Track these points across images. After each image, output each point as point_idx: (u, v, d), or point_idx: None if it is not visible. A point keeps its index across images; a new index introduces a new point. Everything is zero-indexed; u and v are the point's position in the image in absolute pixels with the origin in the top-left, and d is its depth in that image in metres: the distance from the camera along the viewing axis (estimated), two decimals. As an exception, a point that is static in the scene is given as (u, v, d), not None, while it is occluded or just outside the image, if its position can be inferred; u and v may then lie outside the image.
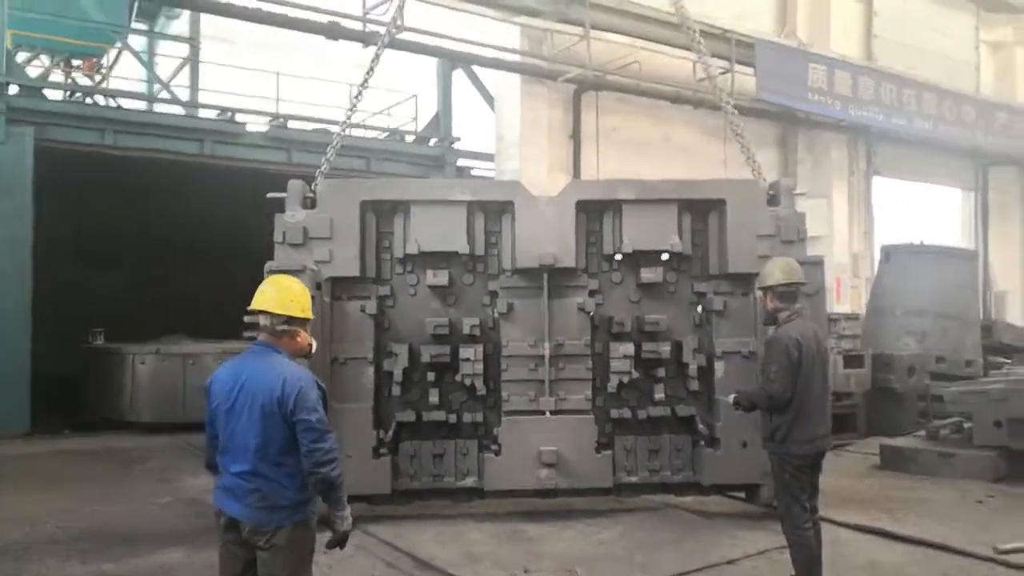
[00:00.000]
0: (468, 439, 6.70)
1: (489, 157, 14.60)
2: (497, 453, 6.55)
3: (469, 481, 6.65)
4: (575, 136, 13.78)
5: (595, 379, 6.75)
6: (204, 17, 15.90)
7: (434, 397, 6.61)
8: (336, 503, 3.39)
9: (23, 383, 10.64)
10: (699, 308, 6.93)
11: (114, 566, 5.46)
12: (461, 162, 14.98)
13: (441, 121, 15.07)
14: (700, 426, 6.76)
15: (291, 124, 13.52)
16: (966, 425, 8.29)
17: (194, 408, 10.97)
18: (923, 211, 18.88)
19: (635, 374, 6.68)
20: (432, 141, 15.05)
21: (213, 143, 12.83)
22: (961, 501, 7.08)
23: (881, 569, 5.39)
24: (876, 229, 17.63)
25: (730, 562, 5.53)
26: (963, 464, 7.92)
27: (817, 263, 6.50)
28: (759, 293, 5.17)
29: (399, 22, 8.88)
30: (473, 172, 15.03)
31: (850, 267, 16.84)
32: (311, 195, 6.54)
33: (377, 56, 7.49)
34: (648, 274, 6.75)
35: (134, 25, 15.89)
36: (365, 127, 15.71)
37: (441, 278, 6.63)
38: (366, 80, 7.36)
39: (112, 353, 11.83)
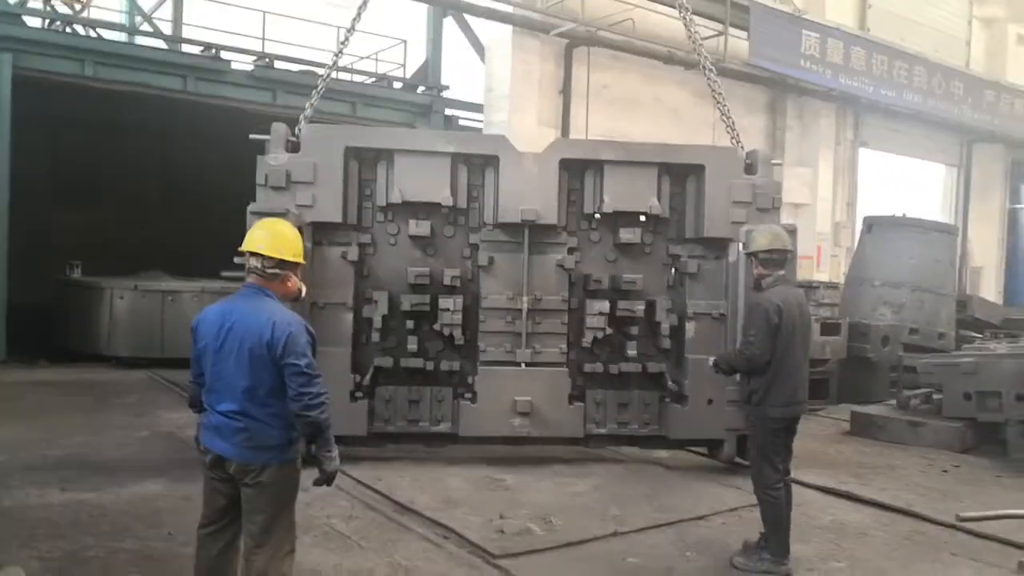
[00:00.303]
0: (443, 386, 6.85)
1: (478, 108, 14.43)
2: (473, 401, 6.72)
3: (443, 427, 6.82)
4: (565, 91, 13.65)
5: (570, 334, 6.91)
6: (191, -52, 15.42)
7: (412, 345, 6.71)
8: (324, 444, 3.43)
9: (-1, 312, 10.54)
10: (672, 270, 7.10)
11: (94, 495, 5.49)
12: (449, 111, 14.79)
13: (430, 69, 14.85)
14: (670, 383, 6.95)
15: (277, 64, 13.26)
16: (936, 396, 8.49)
17: (172, 344, 10.98)
18: (906, 184, 19.00)
19: (609, 331, 6.85)
20: (420, 89, 14.84)
21: (196, 80, 12.54)
22: (928, 469, 7.27)
23: (846, 530, 5.54)
24: (859, 200, 17.75)
25: (700, 517, 5.66)
26: (931, 434, 8.11)
27: (790, 231, 6.30)
28: (745, 258, 5.21)
29: None
30: (461, 122, 14.87)
31: (832, 236, 16.99)
32: (294, 139, 6.52)
33: (365, 1, 7.40)
34: (626, 234, 6.91)
35: (118, -47, 15.42)
36: (352, 71, 15.44)
37: (423, 228, 6.73)
38: (354, 23, 7.31)
39: (90, 287, 11.73)
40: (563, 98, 13.65)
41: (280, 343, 3.33)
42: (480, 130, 14.06)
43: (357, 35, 16.29)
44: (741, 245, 5.01)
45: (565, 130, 13.63)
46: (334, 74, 15.00)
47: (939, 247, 11.57)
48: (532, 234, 6.80)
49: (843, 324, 10.45)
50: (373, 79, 15.21)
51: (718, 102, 7.50)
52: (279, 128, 6.50)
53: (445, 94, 14.84)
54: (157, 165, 16.72)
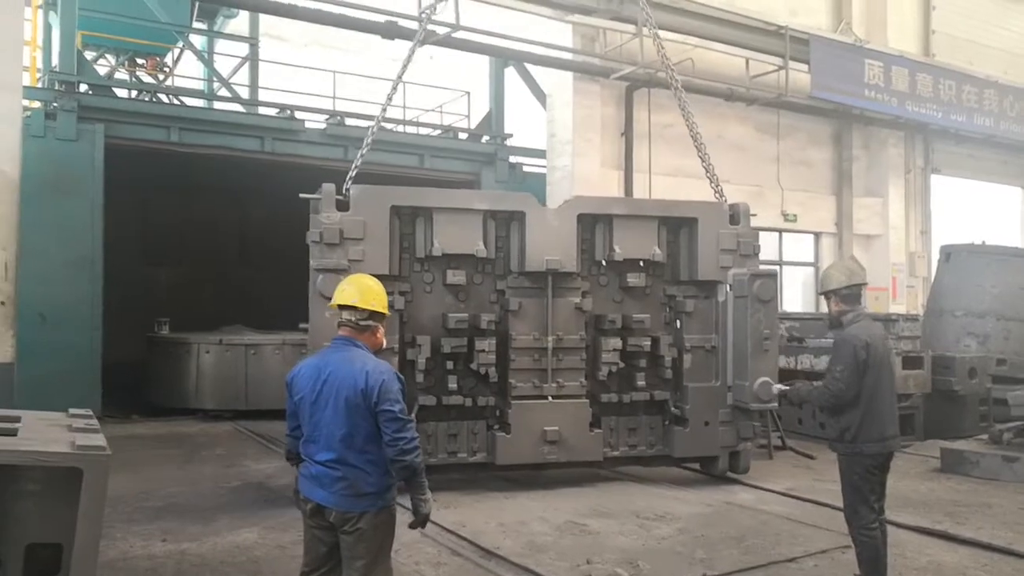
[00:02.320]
0: (478, 420, 7.47)
1: (540, 154, 14.70)
2: (508, 432, 7.34)
3: (479, 457, 7.45)
4: (627, 133, 13.82)
5: (587, 368, 7.69)
6: (263, 15, 16.24)
7: (452, 383, 7.31)
8: (418, 487, 3.54)
9: (95, 369, 11.03)
10: (668, 308, 8.04)
11: (194, 545, 5.71)
12: (513, 158, 15.08)
13: (493, 118, 15.19)
14: (673, 409, 7.81)
15: (348, 121, 13.77)
16: (1030, 428, 8.17)
17: (255, 396, 11.34)
18: (983, 210, 18.46)
19: (621, 364, 7.67)
20: (484, 138, 15.18)
21: (273, 140, 13.11)
22: (1026, 505, 7.00)
23: (944, 571, 5.37)
24: (934, 228, 17.33)
25: (791, 560, 5.56)
26: (1027, 468, 7.80)
27: (771, 275, 7.66)
28: (822, 298, 5.20)
29: (431, 16, 9.47)
30: (525, 169, 15.13)
31: (907, 266, 16.60)
32: (341, 197, 6.98)
33: (412, 52, 8.21)
34: (633, 279, 7.81)
35: (195, 25, 16.32)
36: (418, 124, 15.92)
37: (459, 278, 7.39)
38: (400, 76, 8.04)
39: (178, 343, 12.23)
40: (625, 140, 13.81)
41: (375, 390, 3.47)
42: (544, 176, 14.29)
43: (422, 89, 16.83)
44: (818, 285, 5.11)
45: (628, 171, 13.76)
46: (401, 128, 15.58)
47: (1022, 274, 11.19)
48: (554, 280, 7.51)
49: (926, 357, 10.15)
50: (439, 131, 15.64)
51: (689, 123, 8.67)
52: (329, 188, 6.99)
53: (509, 142, 15.14)
54: (236, 223, 17.43)
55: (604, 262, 7.79)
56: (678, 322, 7.95)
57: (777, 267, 16.39)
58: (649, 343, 7.69)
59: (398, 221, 7.26)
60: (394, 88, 8.01)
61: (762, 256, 15.81)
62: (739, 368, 7.53)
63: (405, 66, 8.08)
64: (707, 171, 8.32)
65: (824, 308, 5.75)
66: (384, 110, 7.99)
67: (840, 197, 16.35)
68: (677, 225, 7.99)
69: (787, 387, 5.37)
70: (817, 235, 16.43)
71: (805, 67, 14.19)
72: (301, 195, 7.10)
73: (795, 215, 15.74)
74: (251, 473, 8.12)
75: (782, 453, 9.17)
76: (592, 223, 7.78)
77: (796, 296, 16.97)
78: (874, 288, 15.11)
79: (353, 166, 7.38)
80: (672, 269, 8.02)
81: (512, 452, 7.33)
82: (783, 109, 15.20)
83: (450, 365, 7.31)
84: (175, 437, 10.19)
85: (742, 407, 7.56)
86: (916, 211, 17.05)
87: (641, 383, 7.76)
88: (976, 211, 18.28)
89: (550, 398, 7.44)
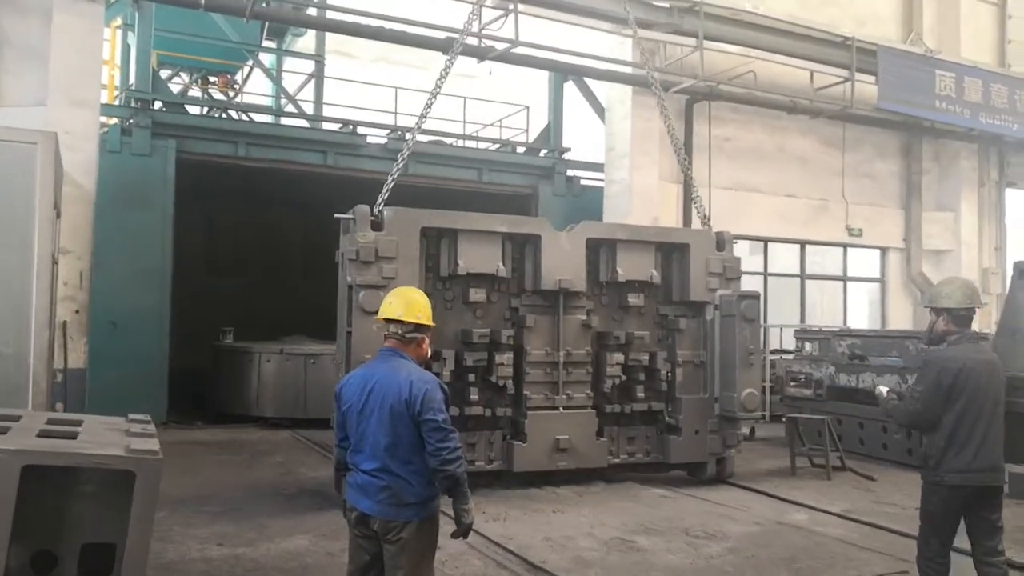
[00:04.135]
0: (495, 430, 7.87)
1: (598, 167, 14.69)
2: (524, 441, 7.80)
3: (495, 465, 7.87)
4: (687, 146, 13.68)
5: (592, 381, 8.20)
6: (328, 34, 16.67)
7: (474, 395, 7.68)
8: (461, 497, 3.57)
9: (162, 377, 11.45)
10: (661, 326, 8.68)
11: (248, 550, 5.85)
12: (571, 172, 15.11)
13: (552, 132, 15.26)
14: (667, 419, 8.45)
15: (408, 136, 13.99)
16: (1108, 454, 7.76)
17: (314, 405, 11.56)
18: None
19: (624, 377, 8.23)
20: (542, 152, 15.25)
21: (336, 155, 13.45)
22: (1102, 534, 6.65)
23: (1009, 600, 5.14)
24: (1009, 243, 16.67)
25: (846, 583, 5.43)
26: (1105, 495, 7.41)
27: (755, 296, 8.40)
28: (931, 314, 4.76)
29: (472, 29, 9.92)
30: (583, 183, 15.14)
31: (979, 283, 15.98)
32: (375, 218, 7.32)
33: (448, 63, 8.67)
34: (633, 299, 8.40)
35: (264, 43, 16.85)
36: (478, 138, 16.09)
37: (480, 295, 7.86)
38: (437, 87, 8.41)
39: (241, 352, 12.56)
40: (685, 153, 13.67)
41: (418, 400, 3.52)
42: (602, 189, 14.27)
43: (482, 104, 17.01)
44: (927, 299, 4.77)
45: (687, 185, 13.62)
46: (461, 142, 15.75)
47: (1101, 292, 10.65)
48: (564, 299, 8.03)
49: (997, 378, 9.74)
50: (498, 145, 15.78)
51: (671, 131, 9.66)
52: (363, 209, 7.33)
53: (567, 156, 15.19)
54: (299, 235, 17.85)
55: (606, 282, 8.39)
56: (671, 339, 8.64)
57: (841, 282, 16.02)
58: (647, 358, 8.32)
59: (425, 241, 7.65)
60: (429, 103, 8.35)
61: (827, 271, 15.74)
62: (726, 381, 8.23)
63: (442, 79, 8.50)
64: (687, 178, 9.29)
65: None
66: (418, 125, 8.40)
67: (909, 211, 15.88)
68: (671, 250, 8.68)
69: (892, 394, 4.93)
70: (884, 250, 15.99)
71: (872, 78, 13.87)
72: (335, 215, 7.50)
73: (860, 229, 15.35)
74: (307, 481, 8.28)
75: (841, 474, 8.92)
76: (597, 247, 8.36)
77: (861, 313, 16.52)
78: (944, 305, 14.58)
79: (385, 188, 7.66)
80: (665, 290, 8.69)
81: (527, 460, 7.80)
82: (848, 121, 14.87)
83: (472, 378, 7.70)
84: (236, 444, 10.46)
85: (729, 417, 8.24)
86: (990, 226, 16.43)
87: (640, 395, 8.36)
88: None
89: (561, 409, 7.97)
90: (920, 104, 14.29)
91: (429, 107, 8.35)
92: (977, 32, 16.41)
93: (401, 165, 7.94)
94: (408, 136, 8.42)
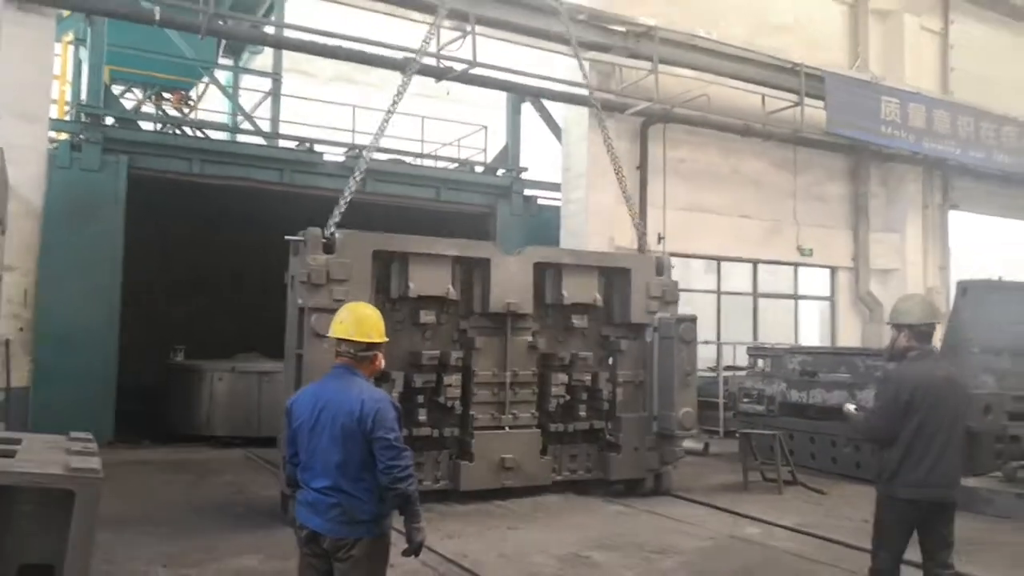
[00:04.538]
0: (442, 449, 7.99)
1: (555, 187, 14.82)
2: (471, 460, 7.92)
3: (442, 484, 7.98)
4: (642, 168, 13.88)
5: (537, 401, 8.41)
6: (285, 52, 16.61)
7: (423, 415, 7.79)
8: (412, 516, 3.54)
9: (109, 395, 11.19)
10: (603, 348, 8.89)
11: (195, 571, 5.73)
12: (528, 191, 15.21)
13: (509, 152, 15.36)
14: (608, 436, 8.68)
15: (366, 155, 13.97)
16: (1046, 467, 8.01)
17: (267, 424, 11.36)
18: (1004, 246, 18.29)
19: (567, 397, 8.47)
20: (500, 172, 15.34)
21: (292, 172, 13.37)
22: (1040, 545, 6.84)
23: (952, 610, 5.25)
24: (952, 264, 17.18)
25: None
26: (1042, 507, 7.63)
27: (692, 319, 8.71)
28: (893, 330, 4.83)
29: (430, 49, 9.97)
30: (540, 202, 15.25)
31: (924, 302, 16.41)
32: (326, 240, 7.35)
33: (405, 82, 8.68)
34: (577, 320, 8.63)
35: (221, 60, 16.72)
36: (436, 157, 16.13)
37: (430, 317, 7.98)
38: (393, 105, 8.43)
39: (192, 370, 12.35)
40: (640, 174, 13.87)
41: (370, 418, 3.49)
42: (559, 209, 14.39)
43: (440, 123, 17.06)
44: (891, 318, 4.85)
45: (643, 206, 13.79)
46: (419, 161, 15.75)
47: (1042, 311, 11.02)
48: (512, 321, 8.22)
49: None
50: (456, 165, 15.83)
51: (611, 158, 9.97)
52: (314, 232, 7.35)
53: (524, 175, 15.29)
54: (255, 252, 17.58)
55: (551, 305, 8.58)
56: (612, 359, 8.89)
57: (793, 300, 16.33)
58: (590, 378, 8.59)
59: (376, 264, 7.70)
60: (385, 120, 8.34)
61: (779, 289, 16.04)
62: (665, 400, 8.57)
63: (399, 97, 8.50)
64: (628, 204, 9.50)
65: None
66: (375, 141, 8.41)
67: (857, 232, 16.27)
68: (613, 274, 8.93)
69: (859, 412, 5.05)
70: (833, 269, 16.35)
71: (821, 103, 14.24)
72: (286, 237, 7.48)
73: (811, 249, 15.68)
74: (258, 500, 8.15)
75: (792, 488, 9.06)
76: (544, 270, 8.57)
77: (812, 330, 16.85)
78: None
79: (336, 210, 7.62)
80: (608, 312, 8.93)
81: (474, 478, 7.93)
82: (799, 145, 15.24)
83: (420, 399, 7.80)
84: (185, 463, 10.25)
85: (667, 434, 8.56)
86: (934, 246, 16.90)
87: (582, 414, 8.59)
88: (997, 247, 18.10)
89: (507, 428, 8.15)
90: (867, 129, 14.69)
91: (386, 123, 8.36)
92: (920, 59, 16.96)
93: (354, 186, 7.88)
94: (365, 153, 8.45)
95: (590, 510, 7.98)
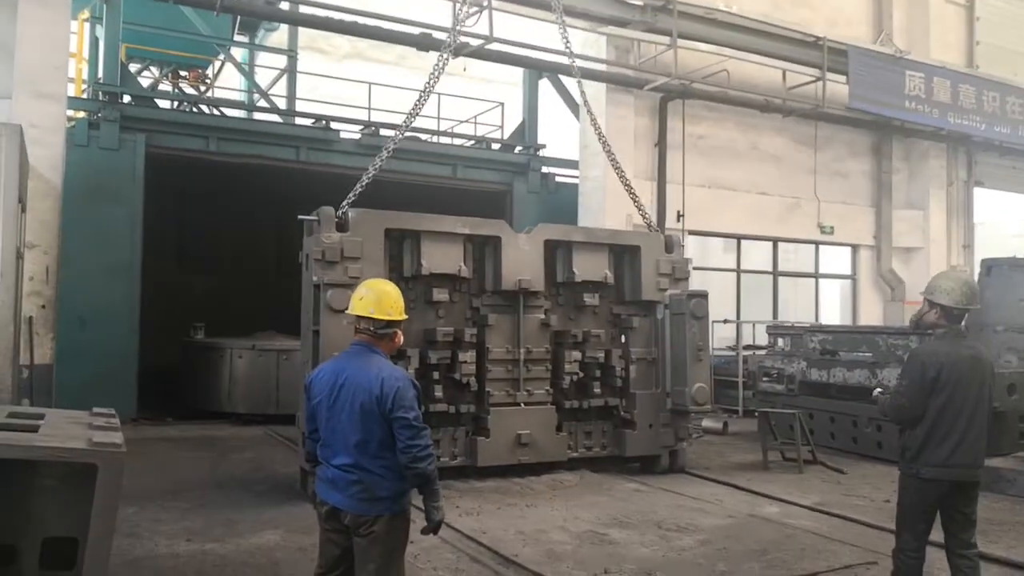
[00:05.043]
0: (458, 426, 7.99)
1: (573, 164, 14.72)
2: (487, 436, 7.95)
3: (459, 460, 7.99)
4: (660, 144, 13.76)
5: (551, 377, 8.42)
6: (301, 28, 16.54)
7: (439, 392, 7.80)
8: (431, 495, 3.55)
9: (131, 373, 11.29)
10: (615, 325, 8.92)
11: (217, 546, 5.78)
12: (545, 169, 15.11)
13: (527, 129, 15.25)
14: (622, 413, 8.66)
15: (382, 132, 13.93)
16: (1070, 447, 7.91)
17: (286, 401, 11.44)
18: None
19: (581, 374, 8.47)
20: (517, 149, 15.24)
21: (308, 150, 13.34)
22: (1064, 525, 6.77)
23: (974, 590, 5.21)
24: (977, 241, 16.95)
25: (814, 575, 5.46)
26: (1067, 487, 7.55)
27: (704, 295, 8.61)
28: (925, 303, 4.65)
29: (459, 28, 9.93)
30: (557, 179, 15.15)
31: (947, 280, 16.22)
32: (339, 219, 7.37)
33: (440, 63, 8.58)
34: (588, 298, 8.63)
35: (236, 38, 16.68)
36: (452, 135, 16.04)
37: (443, 295, 7.99)
38: (427, 88, 8.42)
39: (212, 348, 12.42)
40: (658, 151, 13.76)
41: (389, 398, 3.48)
42: (576, 186, 14.30)
43: (457, 100, 16.94)
44: (926, 291, 4.68)
45: (662, 182, 13.70)
46: (435, 138, 15.69)
47: (1066, 289, 10.86)
48: (524, 298, 8.24)
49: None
50: (472, 142, 15.74)
51: (595, 126, 9.51)
52: (328, 211, 7.36)
53: (541, 153, 15.18)
54: (272, 230, 17.68)
55: (563, 283, 8.60)
56: (623, 337, 8.88)
57: (813, 279, 16.18)
58: (602, 355, 8.60)
59: (388, 242, 7.70)
60: (421, 100, 8.29)
61: (799, 268, 15.89)
62: (678, 376, 8.51)
63: (434, 78, 8.40)
64: (624, 184, 9.19)
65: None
66: (406, 124, 8.35)
67: (879, 209, 16.08)
68: (623, 252, 8.93)
69: (882, 393, 4.99)
70: (855, 247, 16.18)
71: (843, 78, 14.02)
72: (300, 216, 7.51)
73: (832, 227, 15.52)
74: (278, 476, 8.21)
75: (812, 467, 9.01)
76: (555, 248, 8.58)
77: (833, 309, 16.71)
78: (912, 302, 14.82)
79: (356, 188, 7.62)
80: (618, 290, 8.92)
81: (491, 454, 7.96)
82: (820, 120, 15.03)
83: (435, 375, 7.82)
84: (206, 440, 10.34)
85: (680, 410, 8.54)
86: (958, 224, 16.71)
87: (596, 391, 8.60)
88: (1020, 224, 17.83)
89: (522, 404, 8.18)
90: (890, 104, 14.48)
91: (421, 105, 8.36)
92: (946, 33, 16.66)
93: (379, 163, 7.86)
94: (395, 133, 8.32)
95: (607, 487, 7.98)
